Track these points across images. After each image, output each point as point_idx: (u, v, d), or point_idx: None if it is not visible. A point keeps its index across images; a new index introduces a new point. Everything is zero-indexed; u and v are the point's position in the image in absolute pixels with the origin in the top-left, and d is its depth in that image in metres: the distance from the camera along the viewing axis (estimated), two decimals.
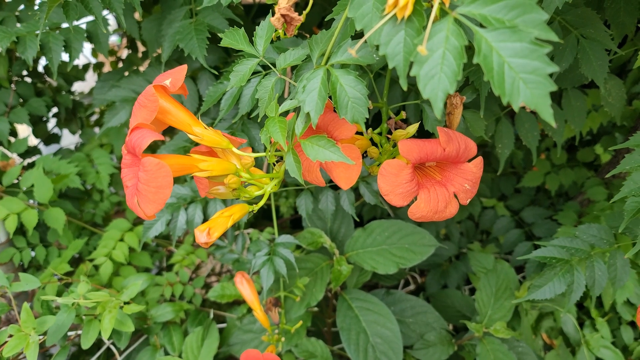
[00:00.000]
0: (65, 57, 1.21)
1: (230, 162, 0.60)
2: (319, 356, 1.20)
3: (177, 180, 1.41)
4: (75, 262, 1.74)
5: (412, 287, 1.98)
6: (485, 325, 1.29)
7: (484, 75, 0.40)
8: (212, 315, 1.33)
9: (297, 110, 0.61)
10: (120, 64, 2.23)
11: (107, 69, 2.59)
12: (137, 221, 1.86)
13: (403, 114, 0.81)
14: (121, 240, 1.51)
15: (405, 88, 0.45)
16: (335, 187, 1.21)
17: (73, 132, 1.98)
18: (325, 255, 1.26)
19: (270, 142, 0.58)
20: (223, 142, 0.61)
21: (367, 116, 0.52)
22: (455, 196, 0.60)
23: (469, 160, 0.61)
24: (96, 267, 1.49)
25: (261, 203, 0.61)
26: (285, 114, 0.64)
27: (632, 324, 1.90)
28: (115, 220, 1.57)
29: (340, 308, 1.25)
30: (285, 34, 0.69)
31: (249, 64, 0.65)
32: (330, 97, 0.56)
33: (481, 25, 0.41)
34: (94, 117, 2.23)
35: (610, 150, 1.92)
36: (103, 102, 1.38)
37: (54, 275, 1.38)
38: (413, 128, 0.70)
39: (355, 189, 1.21)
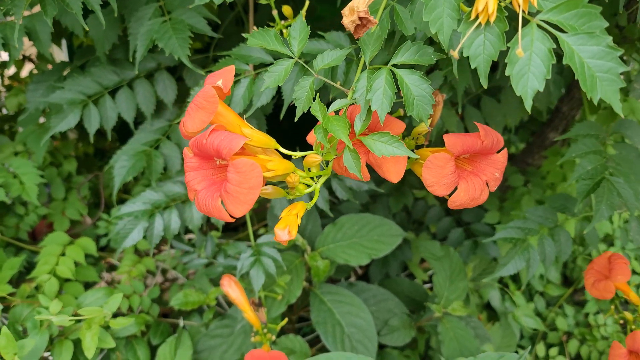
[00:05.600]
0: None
1: (289, 162, 0.60)
2: (298, 351, 1.22)
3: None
4: None
5: (352, 278, 2.06)
6: (443, 305, 1.39)
7: (575, 74, 0.46)
8: (182, 324, 1.29)
9: (344, 109, 0.63)
10: (28, 64, 2.04)
11: (11, 70, 2.35)
12: (71, 233, 1.73)
13: (400, 112, 0.87)
14: (63, 254, 1.39)
15: (485, 86, 0.49)
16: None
17: None
18: (296, 252, 1.28)
19: (327, 139, 0.59)
20: (271, 142, 0.62)
21: (432, 112, 0.57)
22: (487, 184, 0.67)
23: (497, 152, 0.68)
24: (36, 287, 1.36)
25: (314, 200, 0.63)
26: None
27: (542, 294, 2.15)
28: (51, 234, 1.44)
29: (314, 303, 1.28)
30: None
31: (284, 64, 0.66)
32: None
33: (562, 31, 0.47)
34: None
35: (520, 143, 2.16)
36: (42, 105, 1.27)
37: None
38: (420, 128, 0.76)
39: (328, 186, 1.24)
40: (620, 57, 0.46)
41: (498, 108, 1.36)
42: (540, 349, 1.91)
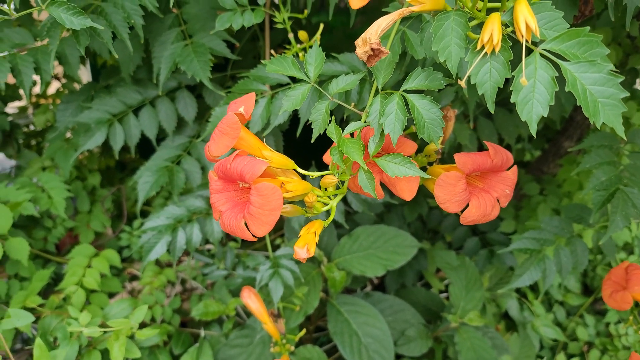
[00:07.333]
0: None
1: (307, 183, 0.63)
2: None
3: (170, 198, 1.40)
4: None
5: (369, 289, 2.08)
6: (459, 315, 1.40)
7: (577, 100, 0.48)
8: (203, 334, 1.32)
9: (358, 131, 0.66)
10: (54, 82, 2.12)
11: (36, 88, 2.44)
12: (95, 245, 1.78)
13: (413, 128, 0.89)
14: (89, 266, 1.44)
15: (492, 111, 0.52)
16: None
17: (9, 156, 1.85)
18: (313, 264, 1.31)
19: (342, 160, 0.62)
20: (289, 164, 0.65)
21: (442, 135, 0.59)
22: (497, 200, 0.69)
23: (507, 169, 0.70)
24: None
25: (331, 217, 0.66)
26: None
27: (562, 303, 2.13)
28: (78, 246, 1.50)
29: (331, 314, 1.30)
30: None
31: (301, 89, 0.69)
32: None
33: (564, 59, 0.50)
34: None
35: (535, 151, 2.16)
36: (71, 123, 1.32)
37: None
38: (433, 146, 0.78)
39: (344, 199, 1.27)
40: (621, 83, 0.48)
41: (510, 118, 1.38)
42: (561, 359, 1.90)
